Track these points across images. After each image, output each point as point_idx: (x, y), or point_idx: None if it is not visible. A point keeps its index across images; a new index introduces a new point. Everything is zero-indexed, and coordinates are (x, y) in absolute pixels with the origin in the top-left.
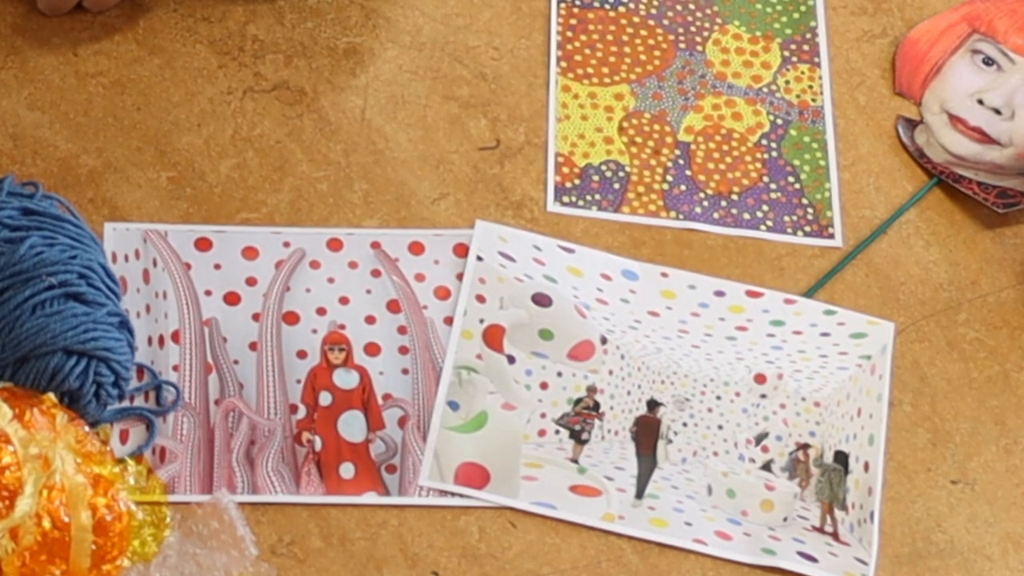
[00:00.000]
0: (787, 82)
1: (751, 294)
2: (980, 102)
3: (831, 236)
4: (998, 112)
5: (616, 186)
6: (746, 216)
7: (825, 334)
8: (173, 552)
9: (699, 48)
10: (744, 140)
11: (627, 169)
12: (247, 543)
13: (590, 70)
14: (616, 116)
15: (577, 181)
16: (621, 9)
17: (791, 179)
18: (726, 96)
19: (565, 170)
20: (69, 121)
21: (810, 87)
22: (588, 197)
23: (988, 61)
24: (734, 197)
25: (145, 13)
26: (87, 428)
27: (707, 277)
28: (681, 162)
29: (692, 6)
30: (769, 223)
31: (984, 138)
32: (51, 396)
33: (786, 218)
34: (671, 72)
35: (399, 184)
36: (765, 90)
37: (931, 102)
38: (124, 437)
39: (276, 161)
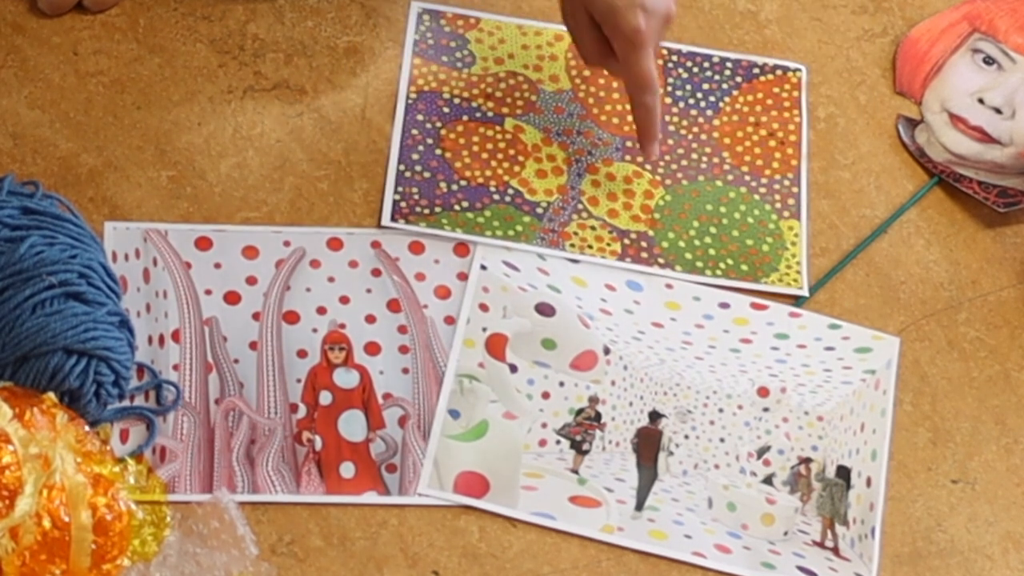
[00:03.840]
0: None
1: (755, 306)
2: (981, 101)
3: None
4: (999, 111)
5: None
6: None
7: (829, 348)
8: (173, 551)
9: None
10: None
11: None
12: (247, 542)
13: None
14: None
15: None
16: None
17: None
18: None
19: None
20: (69, 120)
21: None
22: None
23: (989, 60)
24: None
25: (145, 12)
26: (87, 427)
27: (712, 289)
28: None
29: None
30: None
31: (985, 137)
32: (51, 395)
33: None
34: None
35: None
36: None
37: (932, 101)
38: (124, 436)
39: (276, 160)
